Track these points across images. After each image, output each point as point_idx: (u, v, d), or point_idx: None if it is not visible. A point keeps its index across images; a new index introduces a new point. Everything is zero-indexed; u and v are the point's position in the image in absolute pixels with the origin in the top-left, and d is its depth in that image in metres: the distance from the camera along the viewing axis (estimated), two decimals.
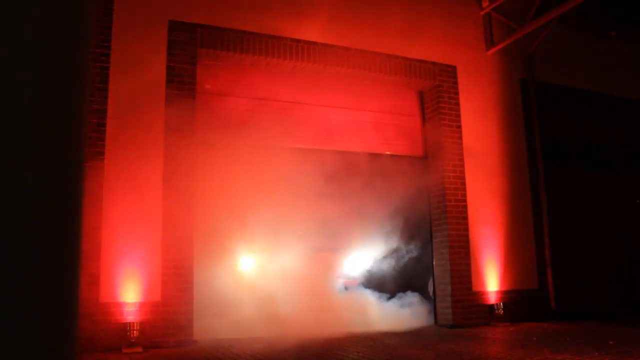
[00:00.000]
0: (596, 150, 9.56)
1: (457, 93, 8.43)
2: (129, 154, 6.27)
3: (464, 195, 8.14)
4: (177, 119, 6.55)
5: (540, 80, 9.06)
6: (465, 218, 8.08)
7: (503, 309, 7.88)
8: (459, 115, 8.37)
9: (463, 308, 7.78)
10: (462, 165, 8.23)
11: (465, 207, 8.12)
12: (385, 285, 8.64)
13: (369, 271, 8.75)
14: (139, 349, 5.78)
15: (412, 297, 8.39)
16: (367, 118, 8.25)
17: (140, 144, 6.34)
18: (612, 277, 9.05)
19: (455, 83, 8.46)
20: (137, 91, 6.45)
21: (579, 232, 9.02)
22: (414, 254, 8.68)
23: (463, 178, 8.19)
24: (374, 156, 8.13)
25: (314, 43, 7.59)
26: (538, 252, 8.52)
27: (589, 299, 8.67)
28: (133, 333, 5.80)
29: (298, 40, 7.48)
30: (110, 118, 6.28)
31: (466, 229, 8.04)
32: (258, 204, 7.31)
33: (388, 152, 8.31)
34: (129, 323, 5.83)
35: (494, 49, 8.74)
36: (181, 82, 6.68)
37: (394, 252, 8.81)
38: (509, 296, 8.12)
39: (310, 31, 7.58)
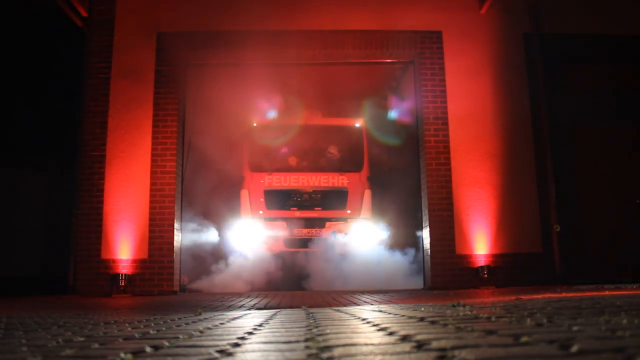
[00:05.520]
0: (611, 99, 8.53)
1: (441, 58, 8.41)
2: (125, 148, 7.89)
3: (448, 158, 8.12)
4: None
5: (549, 32, 8.46)
6: (449, 182, 8.07)
7: (493, 273, 7.72)
8: (443, 80, 8.36)
9: (444, 271, 7.83)
10: (446, 129, 8.21)
11: (449, 170, 8.10)
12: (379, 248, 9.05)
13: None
14: (128, 295, 7.34)
15: (403, 261, 8.66)
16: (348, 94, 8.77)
17: (133, 133, 7.92)
18: (624, 239, 8.07)
19: (440, 48, 8.44)
20: (133, 90, 8.04)
21: (588, 192, 8.23)
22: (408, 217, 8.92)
23: (447, 142, 8.17)
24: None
25: (290, 31, 8.37)
26: (542, 213, 8.05)
27: (597, 264, 7.90)
28: (122, 282, 7.38)
29: (271, 32, 8.34)
30: (111, 117, 7.98)
31: (449, 192, 8.04)
32: None
33: None
34: (120, 274, 7.42)
35: (486, 6, 8.46)
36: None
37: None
38: (503, 260, 7.87)
39: (284, 21, 8.38)
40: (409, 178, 9.09)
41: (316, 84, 9.78)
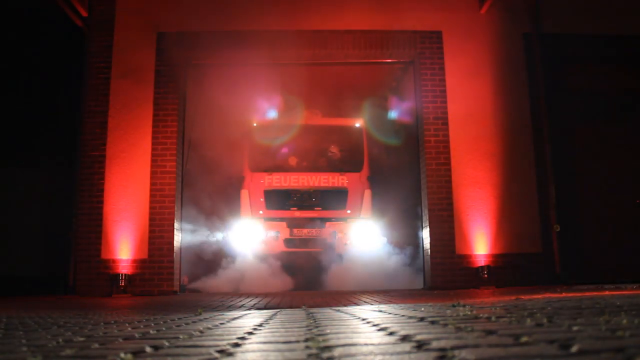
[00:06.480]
0: (611, 99, 8.53)
1: (441, 58, 8.41)
2: (125, 148, 7.89)
3: (448, 158, 8.12)
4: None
5: (549, 32, 8.46)
6: (449, 182, 8.07)
7: (493, 273, 7.72)
8: (443, 80, 8.36)
9: (444, 271, 7.83)
10: (446, 129, 8.21)
11: (449, 170, 8.10)
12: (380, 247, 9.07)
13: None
14: (128, 295, 7.34)
15: (403, 260, 8.66)
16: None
17: (132, 132, 7.92)
18: (623, 240, 8.07)
19: (440, 48, 8.44)
20: (133, 90, 8.04)
21: (588, 192, 8.24)
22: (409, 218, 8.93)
23: (447, 142, 8.17)
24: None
25: (287, 31, 8.35)
26: (542, 213, 8.04)
27: (597, 264, 7.91)
28: (122, 282, 7.37)
29: (271, 31, 8.33)
30: (111, 117, 7.97)
31: (449, 192, 8.03)
32: None
33: None
34: (120, 274, 7.42)
35: (486, 6, 8.45)
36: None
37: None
38: (503, 260, 7.87)
39: (284, 21, 8.37)
40: (409, 178, 9.10)
41: (316, 84, 9.78)
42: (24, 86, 8.69)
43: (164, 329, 2.30)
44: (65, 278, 7.51)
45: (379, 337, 1.74)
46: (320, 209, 9.52)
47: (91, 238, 7.60)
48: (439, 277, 7.80)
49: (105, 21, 8.17)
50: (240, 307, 4.84)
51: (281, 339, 1.79)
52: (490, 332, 1.70)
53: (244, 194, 9.65)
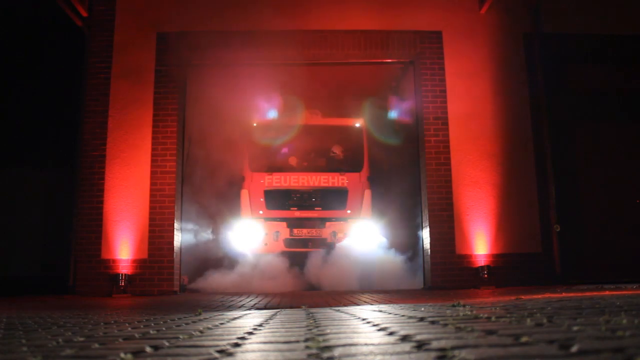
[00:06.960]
0: (611, 99, 8.54)
1: (441, 58, 8.41)
2: (125, 148, 7.90)
3: (448, 158, 8.12)
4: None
5: (549, 32, 8.46)
6: (449, 181, 8.07)
7: (493, 273, 7.72)
8: (443, 80, 8.36)
9: (444, 271, 7.83)
10: (446, 129, 8.21)
11: (449, 170, 8.10)
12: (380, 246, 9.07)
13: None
14: (128, 295, 7.34)
15: (402, 260, 8.66)
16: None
17: (133, 135, 7.92)
18: (623, 240, 8.07)
19: (440, 48, 8.44)
20: (133, 90, 8.05)
21: (588, 192, 8.24)
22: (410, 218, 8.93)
23: (447, 142, 8.17)
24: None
25: (290, 31, 8.35)
26: (542, 213, 8.05)
27: (597, 264, 7.91)
28: (122, 282, 7.37)
29: (272, 32, 8.34)
30: (111, 117, 7.98)
31: (449, 192, 8.04)
32: None
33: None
34: (120, 274, 7.42)
35: (486, 6, 8.46)
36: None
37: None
38: (503, 260, 7.87)
39: (284, 21, 8.37)
40: (409, 178, 9.11)
41: (316, 84, 9.78)
42: (24, 86, 8.70)
43: (164, 329, 2.30)
44: (65, 278, 7.52)
45: (379, 337, 1.74)
46: (320, 209, 9.52)
47: (91, 238, 7.61)
48: (439, 277, 7.80)
49: (105, 21, 8.18)
50: (240, 307, 4.85)
51: (281, 339, 1.79)
52: (490, 332, 1.70)
53: (244, 194, 9.65)
